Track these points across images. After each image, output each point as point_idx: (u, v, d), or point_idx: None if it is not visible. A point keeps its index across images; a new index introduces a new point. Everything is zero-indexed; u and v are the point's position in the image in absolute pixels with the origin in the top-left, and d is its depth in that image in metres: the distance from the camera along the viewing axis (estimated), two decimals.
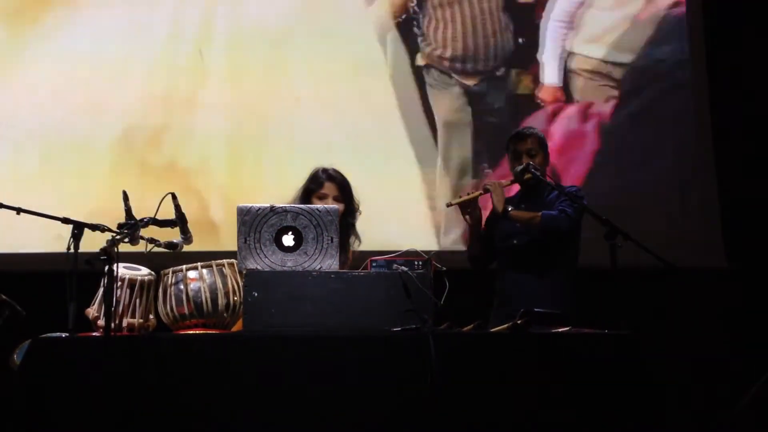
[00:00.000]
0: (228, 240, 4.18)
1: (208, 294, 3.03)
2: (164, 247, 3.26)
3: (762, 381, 3.98)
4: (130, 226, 3.00)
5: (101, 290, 3.02)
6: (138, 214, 3.07)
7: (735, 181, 5.21)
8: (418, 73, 5.30)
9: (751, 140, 5.24)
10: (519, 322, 2.98)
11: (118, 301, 2.97)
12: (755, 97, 5.25)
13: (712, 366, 4.83)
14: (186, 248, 3.20)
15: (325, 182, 3.64)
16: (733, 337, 4.90)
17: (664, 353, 4.07)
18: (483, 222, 3.82)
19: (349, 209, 3.63)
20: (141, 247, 3.07)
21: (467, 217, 3.72)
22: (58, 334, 2.92)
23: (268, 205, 3.06)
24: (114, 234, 2.96)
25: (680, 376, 4.57)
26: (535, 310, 3.04)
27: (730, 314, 4.95)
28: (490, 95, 5.32)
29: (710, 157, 5.25)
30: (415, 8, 5.35)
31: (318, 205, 3.11)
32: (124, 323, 3.02)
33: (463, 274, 3.17)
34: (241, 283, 3.04)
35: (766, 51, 5.28)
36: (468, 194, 3.72)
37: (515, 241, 3.71)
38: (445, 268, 3.04)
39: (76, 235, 2.98)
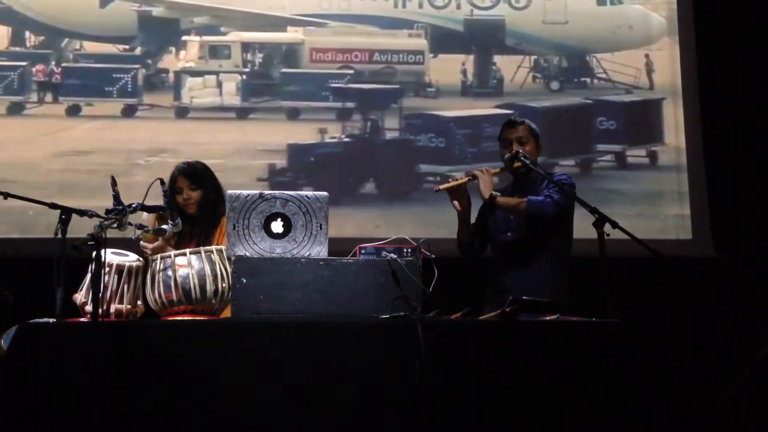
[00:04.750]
0: None
1: (196, 280, 3.02)
2: (153, 233, 3.26)
3: (748, 368, 4.01)
4: (118, 212, 2.98)
5: (89, 276, 3.02)
6: None
7: (723, 171, 5.23)
8: None
9: (739, 130, 5.25)
10: (507, 310, 2.98)
11: (105, 287, 2.96)
12: (744, 87, 5.27)
13: (699, 354, 4.85)
14: None
15: (177, 177, 3.70)
16: (720, 325, 4.92)
17: (652, 341, 4.09)
18: (478, 210, 3.81)
19: (209, 193, 3.68)
20: (129, 232, 3.05)
21: (455, 203, 3.72)
22: (45, 319, 2.90)
23: (257, 191, 3.06)
24: (102, 219, 2.94)
25: (667, 363, 4.59)
26: (524, 298, 3.05)
27: (717, 302, 4.97)
28: None
29: (699, 146, 5.28)
30: None
31: (307, 192, 3.10)
32: (112, 309, 3.01)
33: (453, 261, 3.17)
34: (229, 270, 3.03)
35: (758, 41, 5.30)
36: (456, 180, 3.71)
37: (509, 234, 3.72)
38: (434, 256, 3.05)
39: (64, 221, 2.96)
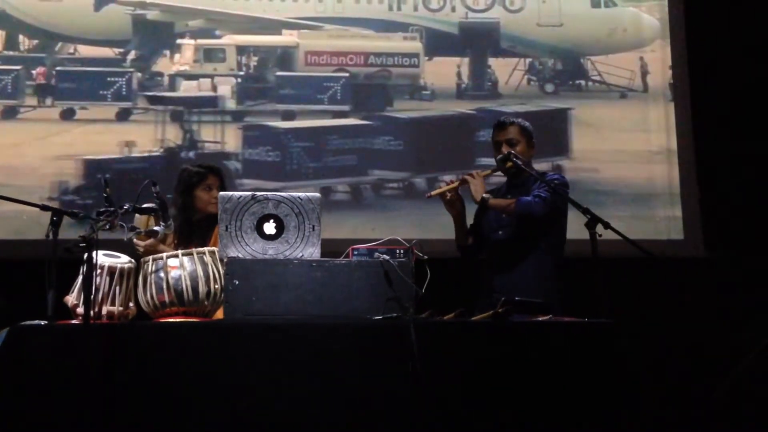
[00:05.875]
0: None
1: (188, 282, 3.02)
2: (144, 235, 3.26)
3: (738, 368, 4.01)
4: (110, 214, 2.98)
5: (80, 278, 3.01)
6: None
7: (714, 173, 5.24)
8: None
9: (731, 131, 5.26)
10: (500, 310, 2.99)
11: (97, 289, 2.96)
12: (736, 88, 5.28)
13: (691, 354, 4.86)
14: None
15: (209, 174, 3.75)
16: (710, 325, 4.93)
17: (644, 341, 4.10)
18: (474, 213, 3.82)
19: None
20: (121, 234, 3.05)
21: (449, 207, 3.72)
22: (36, 321, 2.90)
23: (250, 193, 3.06)
24: (93, 221, 2.94)
25: (657, 364, 4.60)
26: (516, 298, 3.05)
27: (708, 303, 4.98)
28: None
29: (690, 148, 5.29)
30: None
31: (299, 194, 3.10)
32: (104, 311, 3.01)
33: (445, 262, 3.17)
34: (222, 271, 3.03)
35: (750, 43, 5.31)
36: (447, 184, 3.71)
37: (500, 233, 3.72)
38: (426, 257, 3.05)
39: (55, 222, 2.95)
